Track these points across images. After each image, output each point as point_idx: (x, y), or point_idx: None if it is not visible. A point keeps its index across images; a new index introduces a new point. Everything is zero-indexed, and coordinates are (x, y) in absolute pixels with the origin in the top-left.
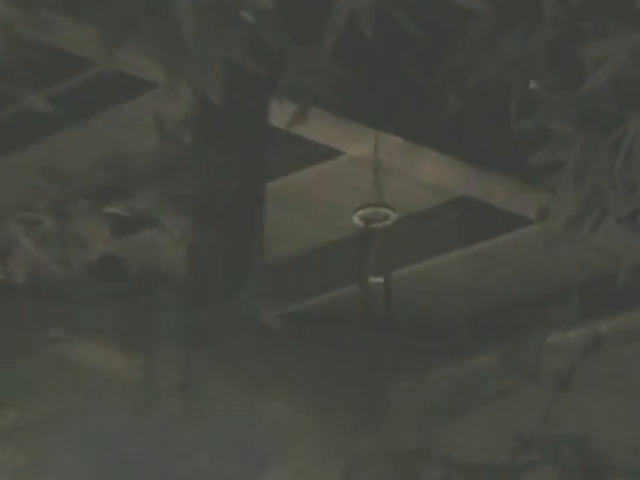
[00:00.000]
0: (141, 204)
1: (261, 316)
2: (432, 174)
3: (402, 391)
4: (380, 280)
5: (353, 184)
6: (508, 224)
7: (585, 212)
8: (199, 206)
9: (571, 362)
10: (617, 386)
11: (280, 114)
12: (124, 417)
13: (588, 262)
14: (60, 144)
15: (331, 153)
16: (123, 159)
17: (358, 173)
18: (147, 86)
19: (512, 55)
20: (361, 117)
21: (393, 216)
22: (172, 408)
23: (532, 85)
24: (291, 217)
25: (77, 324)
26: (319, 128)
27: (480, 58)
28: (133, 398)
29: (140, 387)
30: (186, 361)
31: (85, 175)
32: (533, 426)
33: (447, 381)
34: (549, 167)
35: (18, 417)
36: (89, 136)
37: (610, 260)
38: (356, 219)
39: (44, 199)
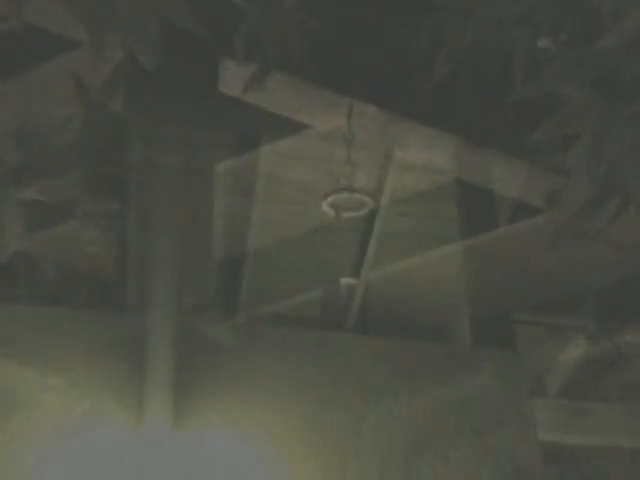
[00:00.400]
0: (61, 187)
1: (208, 328)
2: (417, 152)
3: (380, 412)
4: (355, 281)
5: (322, 165)
6: (510, 213)
7: (601, 199)
8: (132, 190)
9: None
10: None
11: (233, 80)
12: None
13: (604, 260)
14: None
15: (296, 127)
16: (38, 132)
17: (328, 151)
18: (67, 45)
19: (516, 6)
20: (332, 83)
21: (370, 203)
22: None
23: (541, 43)
24: (248, 205)
25: None
26: (281, 97)
27: (476, 11)
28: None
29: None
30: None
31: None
32: (532, 455)
33: (435, 400)
34: (559, 143)
35: None
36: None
37: (630, 258)
38: (326, 207)
39: None
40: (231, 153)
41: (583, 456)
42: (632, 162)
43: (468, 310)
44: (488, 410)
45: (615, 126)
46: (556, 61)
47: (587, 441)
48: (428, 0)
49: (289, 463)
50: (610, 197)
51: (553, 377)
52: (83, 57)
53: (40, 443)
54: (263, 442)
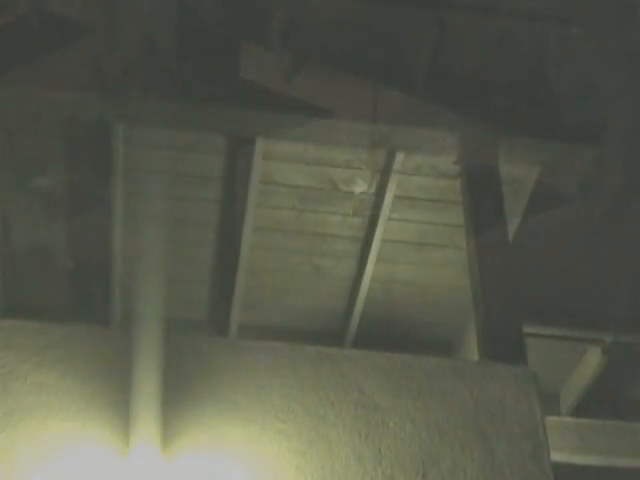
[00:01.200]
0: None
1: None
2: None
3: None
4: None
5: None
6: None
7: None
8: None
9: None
10: None
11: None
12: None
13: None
14: None
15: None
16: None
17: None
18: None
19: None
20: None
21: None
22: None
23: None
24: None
25: None
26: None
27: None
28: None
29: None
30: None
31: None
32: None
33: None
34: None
35: None
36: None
37: None
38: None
39: None
40: (225, 157)
41: (599, 479)
42: None
43: (475, 322)
44: (497, 429)
45: None
46: (589, 46)
47: (603, 462)
48: None
49: None
50: None
51: (567, 394)
52: (100, 44)
53: (22, 465)
54: (258, 465)
